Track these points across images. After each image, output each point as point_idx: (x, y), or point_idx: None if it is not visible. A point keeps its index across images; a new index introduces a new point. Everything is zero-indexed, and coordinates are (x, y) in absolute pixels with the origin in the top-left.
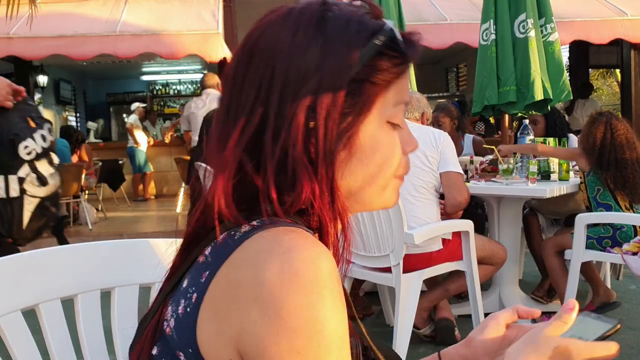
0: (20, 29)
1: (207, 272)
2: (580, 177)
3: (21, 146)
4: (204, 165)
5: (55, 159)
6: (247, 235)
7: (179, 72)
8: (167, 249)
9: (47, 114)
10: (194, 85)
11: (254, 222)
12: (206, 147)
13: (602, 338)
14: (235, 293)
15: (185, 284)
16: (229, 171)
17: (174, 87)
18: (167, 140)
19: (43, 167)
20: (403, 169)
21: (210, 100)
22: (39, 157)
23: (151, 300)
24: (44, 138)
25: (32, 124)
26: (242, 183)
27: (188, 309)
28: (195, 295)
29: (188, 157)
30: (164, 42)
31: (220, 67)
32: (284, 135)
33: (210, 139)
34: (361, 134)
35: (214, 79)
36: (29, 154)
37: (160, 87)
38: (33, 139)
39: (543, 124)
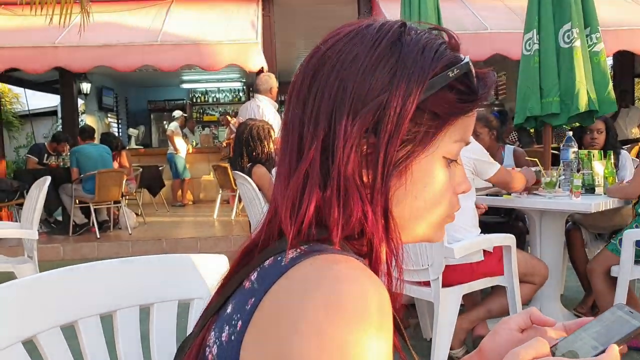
0: (66, 37)
1: (253, 299)
2: None
3: None
4: (240, 174)
5: None
6: (294, 262)
7: (218, 80)
8: (207, 265)
9: (89, 120)
10: (233, 94)
11: (303, 247)
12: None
13: (628, 337)
14: (277, 320)
15: (229, 309)
16: (292, 189)
17: (213, 95)
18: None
19: None
20: (452, 209)
21: (260, 107)
22: None
23: (190, 317)
24: None
25: None
26: (300, 202)
27: (232, 337)
28: (240, 322)
29: (226, 165)
30: (203, 53)
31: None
32: (339, 153)
33: (277, 151)
34: (415, 165)
35: (267, 83)
36: None
37: (200, 95)
38: None
39: (605, 133)
